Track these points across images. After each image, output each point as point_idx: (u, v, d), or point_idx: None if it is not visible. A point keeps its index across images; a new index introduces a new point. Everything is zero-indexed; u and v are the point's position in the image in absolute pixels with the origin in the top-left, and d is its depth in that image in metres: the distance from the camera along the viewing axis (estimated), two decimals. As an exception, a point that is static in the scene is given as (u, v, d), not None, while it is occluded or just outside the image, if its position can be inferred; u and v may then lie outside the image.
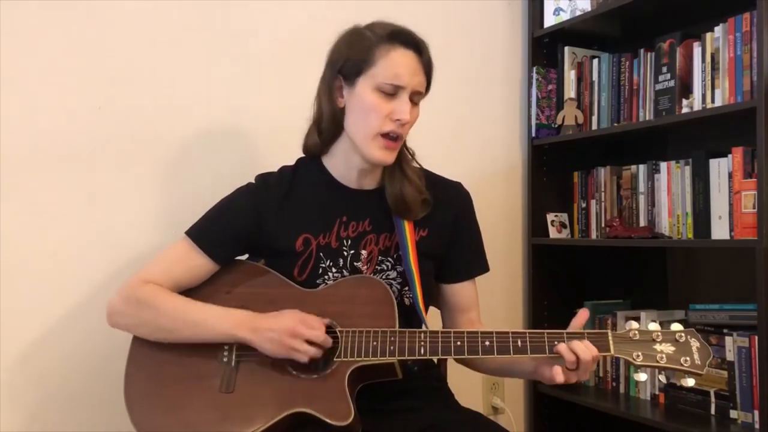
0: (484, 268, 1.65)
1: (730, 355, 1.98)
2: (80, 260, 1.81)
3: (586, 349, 1.31)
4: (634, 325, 1.37)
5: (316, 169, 1.55)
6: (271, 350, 1.37)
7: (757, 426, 1.87)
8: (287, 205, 1.51)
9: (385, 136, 1.43)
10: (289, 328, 1.35)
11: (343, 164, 1.53)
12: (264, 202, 1.51)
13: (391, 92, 1.42)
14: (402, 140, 1.47)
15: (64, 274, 1.79)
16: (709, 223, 2.01)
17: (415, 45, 1.45)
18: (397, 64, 1.41)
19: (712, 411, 2.01)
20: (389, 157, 1.46)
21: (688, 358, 1.31)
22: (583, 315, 1.39)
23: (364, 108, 1.43)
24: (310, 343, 1.36)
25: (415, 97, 1.46)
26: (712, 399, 2.01)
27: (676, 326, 1.35)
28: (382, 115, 1.42)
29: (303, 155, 1.59)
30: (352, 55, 1.43)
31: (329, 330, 1.41)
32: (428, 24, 2.31)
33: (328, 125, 1.50)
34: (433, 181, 1.58)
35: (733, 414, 1.96)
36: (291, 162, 1.59)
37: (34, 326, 1.76)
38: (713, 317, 2.06)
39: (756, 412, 1.89)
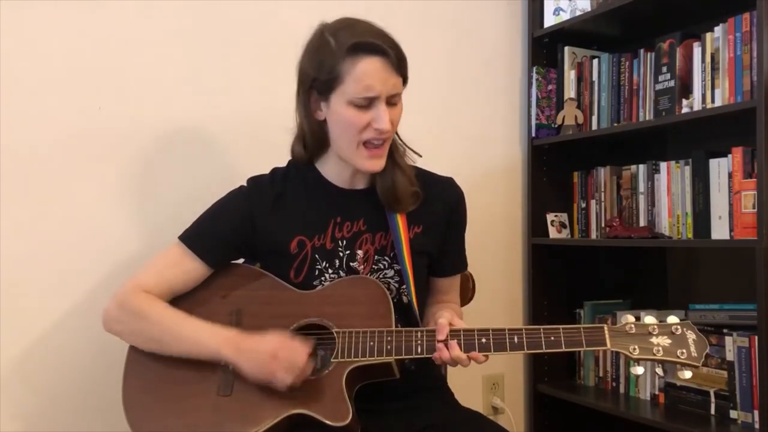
0: (465, 264, 1.67)
1: (730, 355, 1.98)
2: (78, 262, 1.81)
3: (459, 354, 1.35)
4: (630, 318, 1.36)
5: (307, 172, 1.55)
6: (252, 372, 1.35)
7: (757, 426, 1.87)
8: (280, 208, 1.51)
9: (368, 144, 1.43)
10: (271, 351, 1.34)
11: (335, 168, 1.53)
12: (256, 204, 1.51)
13: (365, 104, 1.39)
14: (388, 143, 1.46)
15: (63, 276, 1.79)
16: (709, 223, 2.00)
17: (380, 50, 1.37)
18: (365, 76, 1.37)
19: (712, 411, 2.01)
20: (378, 165, 1.46)
21: (684, 351, 1.32)
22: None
23: (342, 123, 1.42)
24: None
25: (393, 99, 1.43)
26: (712, 399, 2.01)
27: (672, 319, 1.36)
28: (360, 127, 1.41)
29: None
30: (319, 75, 1.39)
31: (326, 331, 1.41)
32: (428, 24, 2.35)
33: (312, 139, 1.49)
34: (425, 177, 1.58)
35: (733, 414, 1.96)
36: (282, 164, 1.59)
37: (33, 330, 1.76)
38: (713, 317, 2.06)
39: (756, 412, 1.89)
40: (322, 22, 1.46)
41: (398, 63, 1.40)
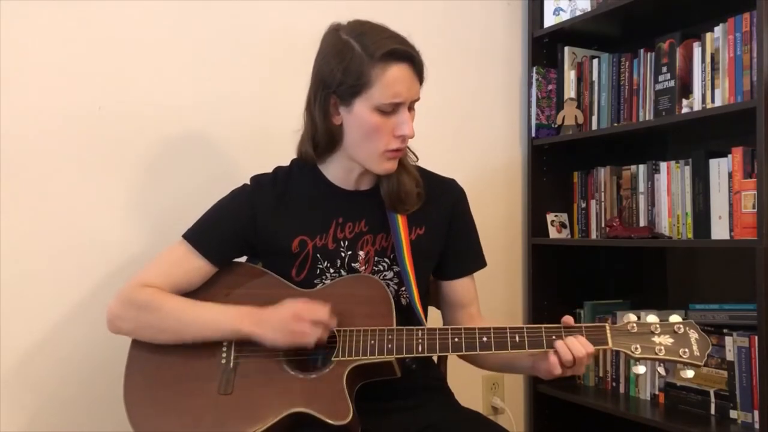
0: (481, 263, 1.64)
1: (730, 355, 1.98)
2: (79, 262, 1.81)
3: (580, 346, 1.33)
4: (632, 317, 1.36)
5: (310, 171, 1.55)
6: (277, 339, 1.36)
7: (757, 426, 1.87)
8: (282, 207, 1.51)
9: (391, 150, 1.43)
10: (293, 313, 1.36)
11: (341, 170, 1.52)
12: (259, 203, 1.51)
13: (390, 110, 1.40)
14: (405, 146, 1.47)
15: (63, 276, 1.79)
16: (709, 223, 2.01)
17: (410, 57, 1.39)
18: (394, 82, 1.37)
19: (712, 411, 2.01)
20: (394, 166, 1.47)
21: (686, 350, 1.31)
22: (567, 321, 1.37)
23: (366, 129, 1.41)
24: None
25: (413, 104, 1.45)
26: (712, 399, 2.01)
27: (674, 318, 1.35)
28: (385, 134, 1.41)
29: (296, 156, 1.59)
30: (346, 79, 1.37)
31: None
32: (428, 24, 2.35)
33: (324, 140, 1.48)
34: (427, 178, 1.57)
35: (733, 414, 1.96)
36: (285, 162, 1.59)
37: (33, 329, 1.76)
38: (713, 317, 2.06)
39: (756, 412, 1.89)
40: (335, 23, 1.45)
41: (421, 69, 1.42)
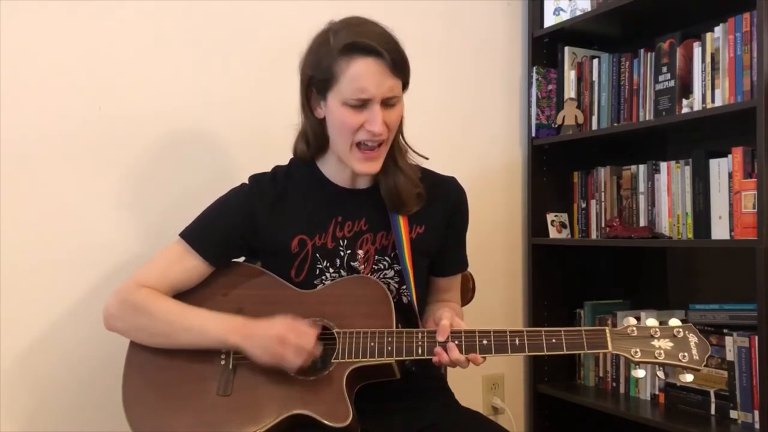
0: (466, 264, 1.66)
1: (730, 355, 1.98)
2: (78, 262, 1.81)
3: (456, 354, 1.34)
4: (632, 321, 1.36)
5: (309, 170, 1.54)
6: (260, 357, 1.36)
7: (757, 426, 1.87)
8: (281, 206, 1.51)
9: (361, 146, 1.42)
10: (278, 334, 1.34)
11: (336, 168, 1.52)
12: (258, 202, 1.50)
13: (359, 105, 1.38)
14: (384, 146, 1.44)
15: (62, 275, 1.79)
16: (709, 223, 2.01)
17: (374, 51, 1.35)
18: (358, 77, 1.35)
19: (712, 411, 2.01)
20: (373, 167, 1.45)
21: (686, 354, 1.31)
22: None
23: (336, 123, 1.41)
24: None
25: (390, 101, 1.41)
26: (712, 399, 2.01)
27: (674, 322, 1.35)
28: (353, 128, 1.39)
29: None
30: (316, 74, 1.39)
31: (326, 331, 1.41)
32: (428, 24, 2.35)
33: (314, 136, 1.49)
34: (427, 177, 1.57)
35: (733, 414, 1.96)
36: (283, 162, 1.58)
37: (32, 329, 1.76)
38: (713, 317, 2.06)
39: (756, 412, 1.89)
40: (331, 20, 1.45)
41: (395, 65, 1.38)
